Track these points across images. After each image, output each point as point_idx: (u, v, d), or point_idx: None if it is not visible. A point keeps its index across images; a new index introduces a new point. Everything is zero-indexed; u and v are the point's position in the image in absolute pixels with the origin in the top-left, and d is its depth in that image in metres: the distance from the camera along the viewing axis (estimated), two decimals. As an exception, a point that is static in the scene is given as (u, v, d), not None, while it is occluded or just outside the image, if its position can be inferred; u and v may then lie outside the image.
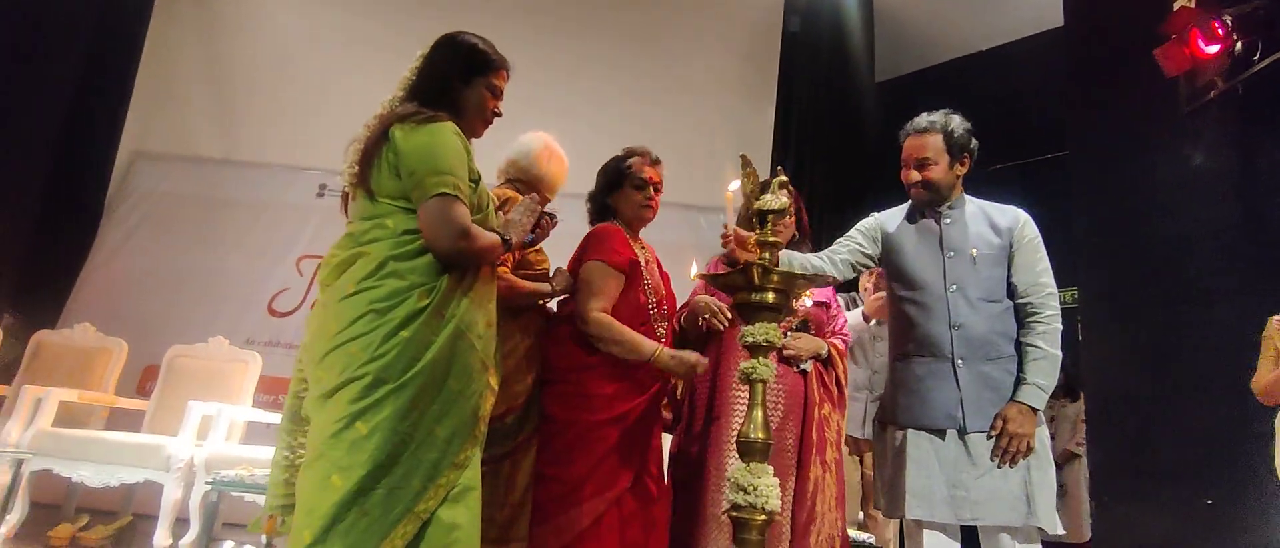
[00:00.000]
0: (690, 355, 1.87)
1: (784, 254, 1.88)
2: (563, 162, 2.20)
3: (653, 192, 2.10)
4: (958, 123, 1.99)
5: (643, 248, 2.15)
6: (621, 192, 2.10)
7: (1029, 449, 1.77)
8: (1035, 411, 1.81)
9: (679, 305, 2.19)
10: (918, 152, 1.99)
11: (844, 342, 2.27)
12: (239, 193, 4.98)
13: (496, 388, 1.56)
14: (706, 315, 2.02)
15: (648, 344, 1.87)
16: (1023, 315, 1.88)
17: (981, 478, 1.77)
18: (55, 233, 4.59)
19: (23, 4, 4.28)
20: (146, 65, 5.01)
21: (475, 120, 1.65)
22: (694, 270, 1.96)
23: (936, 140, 1.98)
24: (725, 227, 1.86)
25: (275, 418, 3.73)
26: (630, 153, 2.14)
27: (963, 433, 1.81)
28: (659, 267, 2.17)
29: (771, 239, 1.64)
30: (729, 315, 1.99)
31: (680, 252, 4.64)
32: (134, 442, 3.26)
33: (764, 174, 1.77)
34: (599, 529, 1.83)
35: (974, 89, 5.28)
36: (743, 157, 1.72)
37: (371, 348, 1.37)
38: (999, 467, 1.77)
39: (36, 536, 3.21)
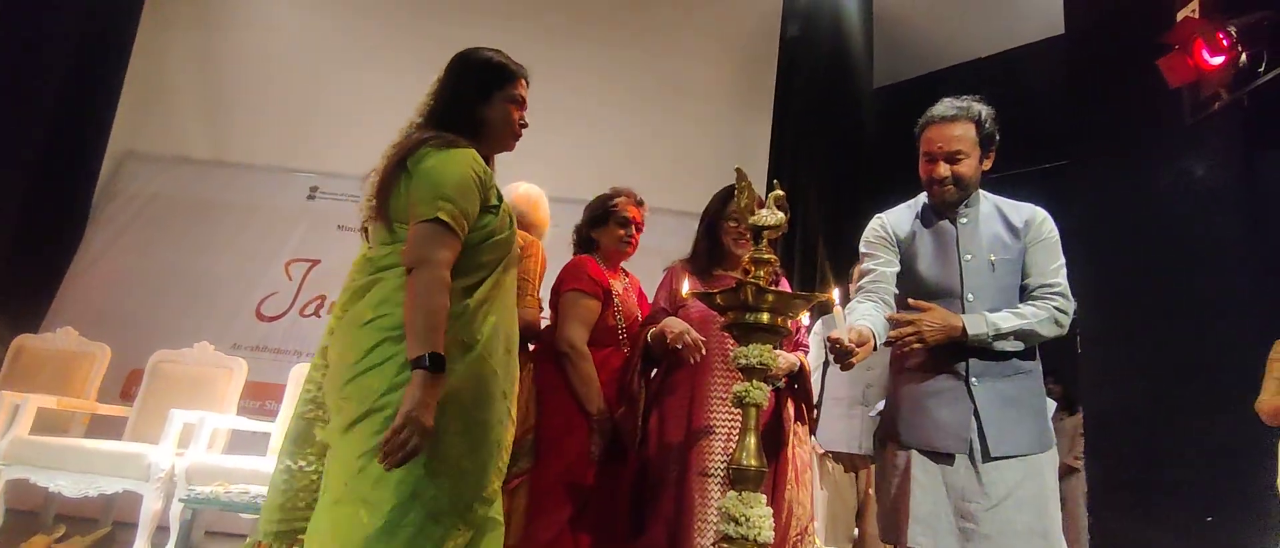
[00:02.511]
0: (597, 446, 2.00)
1: (849, 314, 1.72)
2: (546, 208, 2.46)
3: (634, 230, 2.29)
4: (986, 110, 1.79)
5: (622, 279, 2.32)
6: (605, 227, 2.29)
7: (920, 340, 1.64)
8: (964, 331, 1.65)
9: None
10: (948, 143, 1.74)
11: (806, 352, 2.18)
12: (229, 195, 4.91)
13: (515, 417, 1.49)
14: (681, 345, 1.94)
15: (596, 404, 2.03)
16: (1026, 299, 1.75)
17: (992, 510, 1.62)
18: (41, 234, 4.51)
19: (10, 1, 4.21)
20: (136, 64, 4.94)
21: (504, 136, 1.59)
22: (686, 289, 1.90)
23: (968, 130, 1.75)
24: (835, 338, 1.58)
25: (260, 426, 3.68)
26: (616, 193, 2.33)
27: (977, 459, 1.67)
28: (639, 296, 2.34)
29: (766, 256, 1.58)
30: (704, 350, 1.94)
31: (676, 258, 4.61)
32: (113, 451, 3.18)
33: (759, 183, 1.70)
34: (576, 530, 1.98)
35: (974, 96, 5.22)
36: (737, 170, 1.66)
37: (389, 378, 1.31)
38: (887, 344, 1.67)
39: (10, 546, 3.13)
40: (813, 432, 2.14)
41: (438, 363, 1.27)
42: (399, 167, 1.43)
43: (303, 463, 1.46)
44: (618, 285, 2.26)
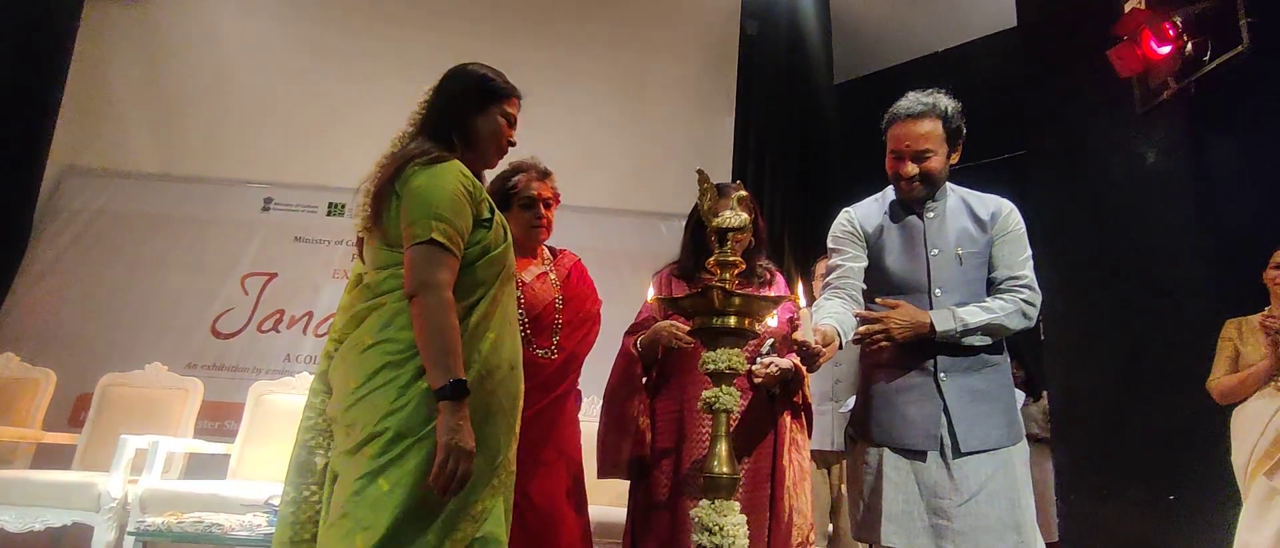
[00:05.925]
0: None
1: (816, 311, 1.70)
2: None
3: (542, 209, 2.00)
4: (952, 105, 1.77)
5: (541, 263, 2.06)
6: (510, 213, 1.97)
7: (889, 338, 1.64)
8: (932, 328, 1.65)
9: (582, 318, 2.05)
10: (916, 141, 1.72)
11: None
12: (178, 209, 4.73)
13: (518, 432, 1.50)
14: (668, 339, 1.89)
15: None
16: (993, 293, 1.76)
17: (965, 505, 1.62)
18: (-23, 256, 4.31)
19: (-66, 12, 4.01)
20: (76, 74, 4.73)
21: (490, 150, 1.59)
22: (651, 294, 1.86)
23: (935, 127, 1.73)
24: (801, 341, 1.55)
25: (217, 448, 3.55)
26: (515, 169, 2.02)
27: (948, 454, 1.66)
28: (574, 278, 2.09)
29: (731, 258, 1.55)
30: (688, 338, 1.86)
31: (643, 259, 4.57)
32: (60, 481, 3.04)
33: (723, 182, 1.67)
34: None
35: (939, 89, 5.29)
36: (699, 171, 1.63)
37: (390, 401, 1.33)
38: (855, 342, 1.66)
39: (-48, 588, 2.98)
40: (809, 434, 2.08)
41: (460, 389, 1.31)
42: (393, 178, 1.43)
43: (306, 493, 1.46)
44: (526, 275, 2.01)
